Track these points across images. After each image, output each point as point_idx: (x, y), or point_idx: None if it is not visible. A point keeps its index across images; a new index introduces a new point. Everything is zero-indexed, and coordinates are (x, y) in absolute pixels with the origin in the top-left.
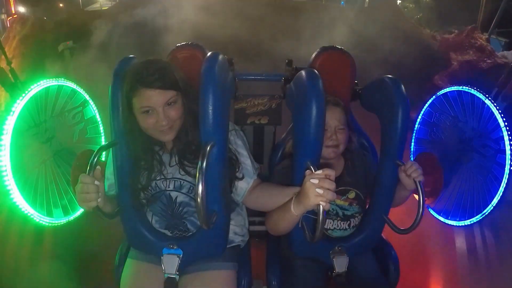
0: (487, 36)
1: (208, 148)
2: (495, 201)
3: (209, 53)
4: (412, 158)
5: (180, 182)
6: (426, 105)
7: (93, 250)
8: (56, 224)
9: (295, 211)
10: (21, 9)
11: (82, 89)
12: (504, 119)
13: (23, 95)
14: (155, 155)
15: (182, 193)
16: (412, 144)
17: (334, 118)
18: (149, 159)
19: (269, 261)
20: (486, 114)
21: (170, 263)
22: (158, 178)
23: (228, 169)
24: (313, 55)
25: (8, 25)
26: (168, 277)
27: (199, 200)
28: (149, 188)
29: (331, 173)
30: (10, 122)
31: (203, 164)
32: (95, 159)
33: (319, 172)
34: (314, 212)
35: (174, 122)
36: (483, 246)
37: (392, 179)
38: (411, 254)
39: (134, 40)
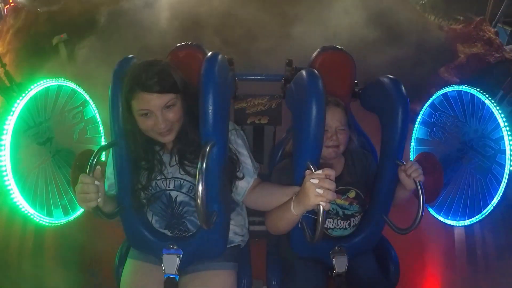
0: (495, 29)
1: (208, 148)
2: (495, 201)
3: (209, 53)
4: (412, 158)
5: (180, 181)
6: (426, 105)
7: (93, 250)
8: (56, 224)
9: (295, 211)
10: None
11: (82, 89)
12: (504, 119)
13: (23, 95)
14: (156, 155)
15: (182, 192)
16: (412, 144)
17: (335, 119)
18: (149, 159)
19: (269, 261)
20: (486, 114)
21: (170, 263)
22: (158, 178)
23: (229, 168)
24: (313, 55)
25: (6, 13)
26: (168, 277)
27: (199, 200)
28: (150, 187)
29: (331, 173)
30: (10, 122)
31: (203, 164)
32: (95, 159)
33: (319, 172)
34: (314, 212)
35: (172, 124)
36: (483, 246)
37: (392, 179)
38: (411, 254)
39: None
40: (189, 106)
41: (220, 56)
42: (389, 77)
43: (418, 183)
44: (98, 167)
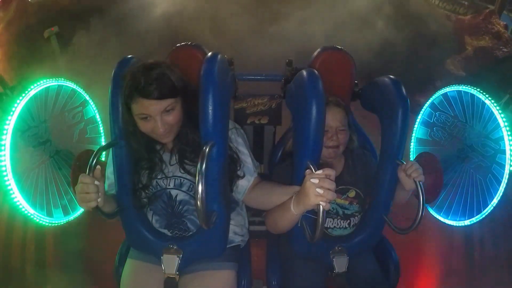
0: (505, 23)
1: (208, 148)
2: (495, 201)
3: (209, 54)
4: (412, 158)
5: (181, 180)
6: (426, 105)
7: (93, 250)
8: (56, 224)
9: (295, 211)
10: None
11: (82, 89)
12: (504, 119)
13: (23, 95)
14: (156, 154)
15: (182, 191)
16: (412, 144)
17: (335, 119)
18: (150, 158)
19: (269, 261)
20: (486, 114)
21: (170, 263)
22: (159, 177)
23: (229, 167)
24: (313, 55)
25: None
26: (168, 277)
27: (199, 200)
28: (150, 187)
29: (331, 172)
30: (10, 122)
31: (202, 164)
32: (95, 159)
33: (319, 172)
34: (314, 211)
35: (172, 127)
36: (483, 246)
37: (392, 179)
38: (411, 254)
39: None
40: (189, 107)
41: (220, 56)
42: (389, 77)
43: (418, 183)
44: (98, 167)
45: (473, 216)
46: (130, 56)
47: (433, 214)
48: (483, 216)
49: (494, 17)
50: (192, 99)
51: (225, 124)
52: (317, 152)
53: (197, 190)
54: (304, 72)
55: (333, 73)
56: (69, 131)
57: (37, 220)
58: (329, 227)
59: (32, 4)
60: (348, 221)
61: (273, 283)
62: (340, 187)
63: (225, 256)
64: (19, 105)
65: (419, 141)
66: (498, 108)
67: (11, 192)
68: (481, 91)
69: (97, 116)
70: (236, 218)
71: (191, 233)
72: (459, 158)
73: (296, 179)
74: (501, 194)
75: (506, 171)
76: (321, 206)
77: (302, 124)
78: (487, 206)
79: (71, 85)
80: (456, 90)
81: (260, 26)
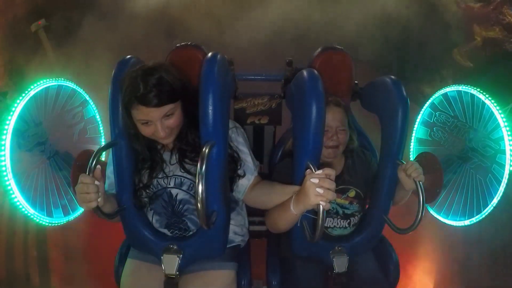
0: None
1: (208, 148)
2: (495, 201)
3: (209, 54)
4: (412, 158)
5: (181, 179)
6: (426, 105)
7: (93, 250)
8: (56, 224)
9: (295, 210)
10: None
11: (82, 89)
12: (504, 119)
13: (23, 95)
14: (157, 153)
15: (183, 190)
16: (412, 144)
17: (335, 119)
18: (151, 158)
19: (269, 261)
20: (486, 114)
21: (170, 263)
22: (160, 176)
23: (230, 166)
24: (314, 55)
25: None
26: (168, 277)
27: (199, 200)
28: (151, 186)
29: (331, 172)
30: (10, 122)
31: (203, 164)
32: (95, 159)
33: (319, 171)
34: (314, 211)
35: (172, 130)
36: (483, 246)
37: (392, 179)
38: (411, 254)
39: None
40: (189, 108)
41: (220, 56)
42: (389, 77)
43: (418, 183)
44: (98, 167)
45: (473, 216)
46: (129, 56)
47: (433, 214)
48: (483, 216)
49: (506, 8)
50: (192, 100)
51: (225, 124)
52: (317, 152)
53: (197, 191)
54: (304, 72)
55: (333, 73)
56: (69, 131)
57: (37, 220)
58: (329, 227)
59: None
60: (348, 220)
61: (273, 283)
62: (340, 186)
63: (225, 256)
64: (19, 105)
65: (419, 141)
66: (498, 108)
67: (11, 192)
68: (481, 91)
69: (97, 116)
70: (236, 218)
71: (191, 232)
72: (459, 158)
73: (296, 179)
74: (501, 194)
75: (506, 171)
76: (321, 206)
77: (302, 124)
78: (487, 206)
79: (71, 85)
80: (456, 90)
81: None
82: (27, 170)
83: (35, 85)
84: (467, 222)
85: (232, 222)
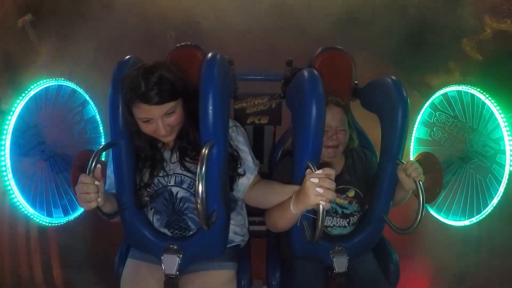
0: None
1: (208, 148)
2: (495, 201)
3: (209, 54)
4: (412, 158)
5: (181, 177)
6: (426, 105)
7: (93, 250)
8: (56, 224)
9: (294, 210)
10: None
11: (81, 89)
12: (504, 119)
13: (23, 95)
14: (157, 152)
15: (183, 188)
16: (412, 144)
17: (335, 119)
18: (153, 156)
19: (269, 261)
20: (486, 114)
21: (170, 263)
22: (160, 175)
23: (230, 165)
24: (314, 55)
25: None
26: (168, 277)
27: (199, 200)
28: (152, 184)
29: (332, 172)
30: (10, 122)
31: (202, 164)
32: (95, 159)
33: (319, 171)
34: (313, 211)
35: (173, 128)
36: (483, 246)
37: (392, 179)
38: (411, 254)
39: None
40: (190, 107)
41: (220, 56)
42: (390, 77)
43: (418, 183)
44: (98, 166)
45: (473, 216)
46: (129, 56)
47: (433, 214)
48: (483, 216)
49: None
50: (192, 99)
51: (225, 124)
52: (317, 152)
53: (197, 191)
54: (304, 72)
55: (333, 73)
56: (69, 131)
57: (37, 220)
58: (329, 226)
59: None
60: (348, 220)
61: (273, 283)
62: (339, 186)
63: (225, 256)
64: (19, 105)
65: (419, 141)
66: (498, 108)
67: (11, 192)
68: (481, 91)
69: (97, 116)
70: (236, 218)
71: (191, 232)
72: (459, 158)
73: (296, 178)
74: (501, 194)
75: (506, 171)
76: (321, 206)
77: (302, 124)
78: (487, 206)
79: (71, 85)
80: (456, 90)
81: None
82: (27, 170)
83: (35, 85)
84: (467, 222)
85: (232, 222)
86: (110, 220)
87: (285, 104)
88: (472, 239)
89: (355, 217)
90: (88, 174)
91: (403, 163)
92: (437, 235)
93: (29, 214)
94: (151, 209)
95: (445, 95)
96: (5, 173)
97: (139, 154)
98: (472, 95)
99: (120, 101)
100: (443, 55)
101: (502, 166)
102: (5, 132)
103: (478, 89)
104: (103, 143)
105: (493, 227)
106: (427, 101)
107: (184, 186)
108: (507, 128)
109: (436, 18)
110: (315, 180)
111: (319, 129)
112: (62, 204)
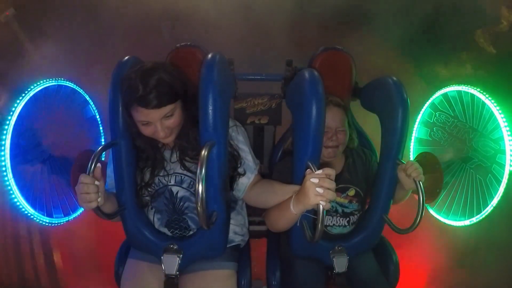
0: None
1: (208, 148)
2: (495, 201)
3: (209, 54)
4: (412, 158)
5: (181, 176)
6: (426, 105)
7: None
8: (56, 224)
9: (294, 210)
10: None
11: (81, 89)
12: (504, 119)
13: (23, 95)
14: (158, 152)
15: (183, 187)
16: (412, 144)
17: (335, 119)
18: (153, 156)
19: (269, 261)
20: (486, 114)
21: (170, 263)
22: (161, 174)
23: (230, 165)
24: (314, 55)
25: None
26: (168, 277)
27: (199, 200)
28: (153, 184)
29: (332, 172)
30: (10, 122)
31: (202, 164)
32: (95, 159)
33: (320, 171)
34: (314, 211)
35: (172, 130)
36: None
37: (392, 179)
38: (411, 254)
39: None
40: (189, 107)
41: (220, 56)
42: (390, 77)
43: (418, 183)
44: (98, 166)
45: (473, 216)
46: (128, 56)
47: (433, 214)
48: (483, 216)
49: None
50: (192, 99)
51: (225, 124)
52: (317, 152)
53: (197, 191)
54: (304, 72)
55: (333, 73)
56: (69, 131)
57: (37, 220)
58: (328, 225)
59: None
60: (347, 219)
61: (273, 283)
62: (340, 185)
63: (225, 256)
64: (19, 105)
65: (419, 141)
66: (498, 108)
67: (11, 192)
68: (481, 91)
69: (97, 116)
70: (236, 218)
71: (191, 232)
72: (459, 158)
73: (296, 178)
74: (501, 194)
75: (506, 171)
76: (321, 206)
77: (302, 124)
78: (487, 206)
79: (71, 85)
80: (456, 90)
81: None
82: (27, 170)
83: (35, 85)
84: (467, 222)
85: (232, 221)
86: (110, 220)
87: (285, 104)
88: (472, 239)
89: (355, 216)
90: (88, 174)
91: (403, 163)
92: (437, 235)
93: (29, 214)
94: (152, 208)
95: (445, 95)
96: (5, 173)
97: (139, 154)
98: (472, 95)
99: (120, 102)
100: (456, 45)
101: (502, 166)
102: (5, 132)
103: (478, 89)
104: (103, 143)
105: (493, 227)
106: (427, 100)
107: (184, 185)
108: (507, 128)
109: (453, 4)
110: (315, 180)
111: (319, 130)
112: (62, 204)
